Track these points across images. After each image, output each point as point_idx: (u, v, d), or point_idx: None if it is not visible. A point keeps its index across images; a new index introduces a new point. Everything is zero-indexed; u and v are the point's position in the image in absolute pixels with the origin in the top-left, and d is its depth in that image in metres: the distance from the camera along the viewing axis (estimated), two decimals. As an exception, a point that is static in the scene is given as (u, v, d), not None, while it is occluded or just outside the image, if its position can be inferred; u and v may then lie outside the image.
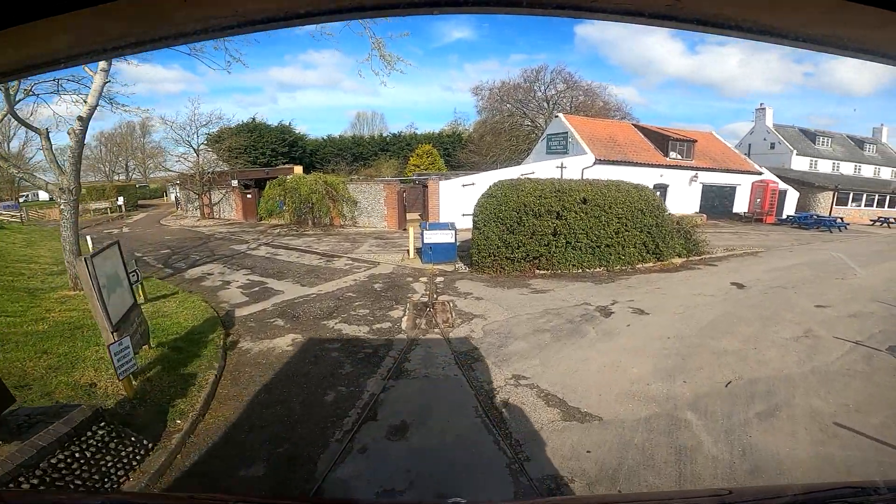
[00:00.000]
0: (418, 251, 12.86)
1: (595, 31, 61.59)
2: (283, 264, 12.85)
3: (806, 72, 77.14)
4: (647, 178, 22.72)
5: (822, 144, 36.78)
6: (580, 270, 10.83)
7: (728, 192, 26.35)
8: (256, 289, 10.26)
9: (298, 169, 26.39)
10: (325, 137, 47.34)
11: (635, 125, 28.04)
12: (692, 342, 6.48)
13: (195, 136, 26.62)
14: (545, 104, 45.16)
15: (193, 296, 9.42)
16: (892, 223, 26.55)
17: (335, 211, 22.13)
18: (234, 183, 26.17)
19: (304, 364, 6.14)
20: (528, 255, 10.63)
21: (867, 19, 0.65)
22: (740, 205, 26.56)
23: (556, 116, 28.02)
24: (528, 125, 45.23)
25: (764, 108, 36.24)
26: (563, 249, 10.58)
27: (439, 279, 10.70)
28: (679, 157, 24.43)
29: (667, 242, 11.27)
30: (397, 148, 47.61)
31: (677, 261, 11.75)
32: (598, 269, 10.89)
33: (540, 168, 21.07)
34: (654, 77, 71.07)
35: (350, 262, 13.16)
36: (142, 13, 0.68)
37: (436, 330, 7.35)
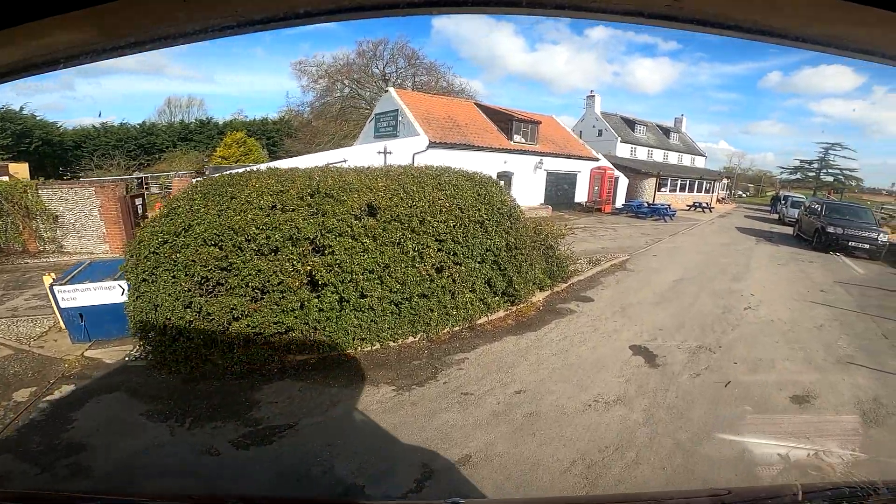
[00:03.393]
0: (80, 315, 6.21)
1: (451, 25, 61.66)
2: None
3: (615, 71, 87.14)
4: (490, 164, 19.01)
5: (640, 132, 39.09)
6: (377, 346, 5.54)
7: (570, 181, 24.57)
8: None
9: (20, 167, 17.83)
10: (98, 126, 36.02)
11: (477, 104, 24.37)
12: None
13: None
14: (384, 83, 39.98)
15: None
16: (705, 208, 28.25)
17: (27, 231, 13.48)
18: None
19: None
20: (260, 332, 4.91)
21: (867, 19, 0.64)
22: (581, 194, 25.10)
23: (386, 91, 22.79)
24: (364, 108, 39.66)
25: (594, 96, 36.74)
26: (336, 313, 5.12)
27: (52, 398, 4.39)
28: (524, 140, 21.38)
29: (524, 274, 6.67)
30: (204, 137, 38.96)
31: (538, 297, 7.34)
32: (410, 340, 5.73)
33: (355, 154, 15.50)
34: (498, 71, 74.08)
35: None
36: (142, 13, 0.68)
37: None
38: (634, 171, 29.18)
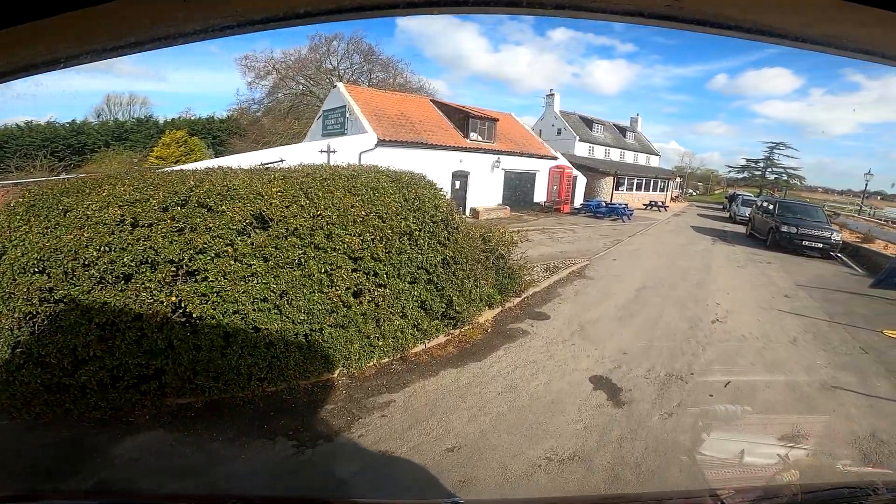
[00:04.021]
0: None
1: (414, 25, 61.10)
2: None
3: (574, 72, 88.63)
4: (445, 163, 18.09)
5: (597, 131, 39.27)
6: (282, 386, 4.42)
7: (529, 180, 23.99)
8: None
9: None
10: (23, 125, 33.46)
11: (433, 101, 23.35)
12: None
13: None
14: (338, 80, 38.25)
15: None
16: (661, 206, 28.49)
17: None
18: None
19: None
20: (119, 375, 3.70)
21: (867, 19, 0.63)
22: (540, 193, 24.59)
23: (335, 87, 21.38)
24: (318, 105, 37.80)
25: (553, 94, 36.51)
26: (220, 350, 3.96)
27: None
28: (481, 138, 20.55)
29: (466, 292, 5.69)
30: (142, 136, 36.84)
31: (486, 317, 6.39)
32: (325, 377, 4.64)
33: (295, 153, 14.13)
34: (462, 71, 74.47)
35: None
36: (142, 13, 0.67)
37: None
38: (592, 170, 29.05)
